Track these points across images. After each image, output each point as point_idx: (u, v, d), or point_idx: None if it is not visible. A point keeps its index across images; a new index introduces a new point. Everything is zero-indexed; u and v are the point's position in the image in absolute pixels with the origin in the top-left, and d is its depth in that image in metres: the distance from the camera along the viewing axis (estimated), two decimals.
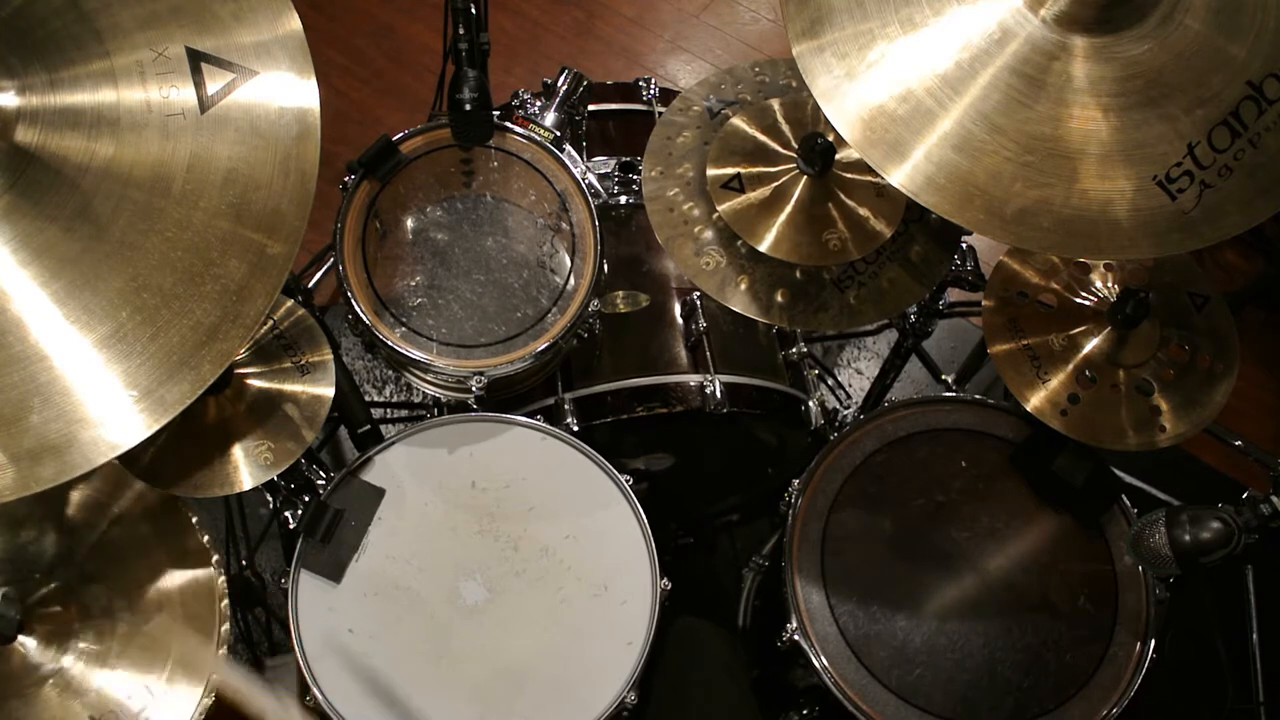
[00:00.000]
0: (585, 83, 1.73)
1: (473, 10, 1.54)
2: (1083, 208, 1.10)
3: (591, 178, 1.65)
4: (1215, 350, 1.50)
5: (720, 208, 1.41)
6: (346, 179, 1.53)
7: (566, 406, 1.63)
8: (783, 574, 1.48)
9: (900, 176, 1.12)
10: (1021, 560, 1.50)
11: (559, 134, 1.64)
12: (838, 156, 1.41)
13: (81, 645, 1.28)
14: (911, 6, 1.14)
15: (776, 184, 1.43)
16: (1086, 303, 1.52)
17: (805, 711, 1.63)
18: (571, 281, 1.56)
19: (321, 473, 1.46)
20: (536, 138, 1.59)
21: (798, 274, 1.45)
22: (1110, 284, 1.54)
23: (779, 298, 1.44)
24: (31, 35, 0.99)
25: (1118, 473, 1.54)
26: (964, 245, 1.60)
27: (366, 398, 2.27)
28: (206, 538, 1.36)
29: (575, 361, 1.67)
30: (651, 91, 1.92)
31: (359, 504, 1.45)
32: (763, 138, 1.47)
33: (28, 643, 1.25)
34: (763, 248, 1.39)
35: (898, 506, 1.53)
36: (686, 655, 1.59)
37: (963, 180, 1.11)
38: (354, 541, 1.43)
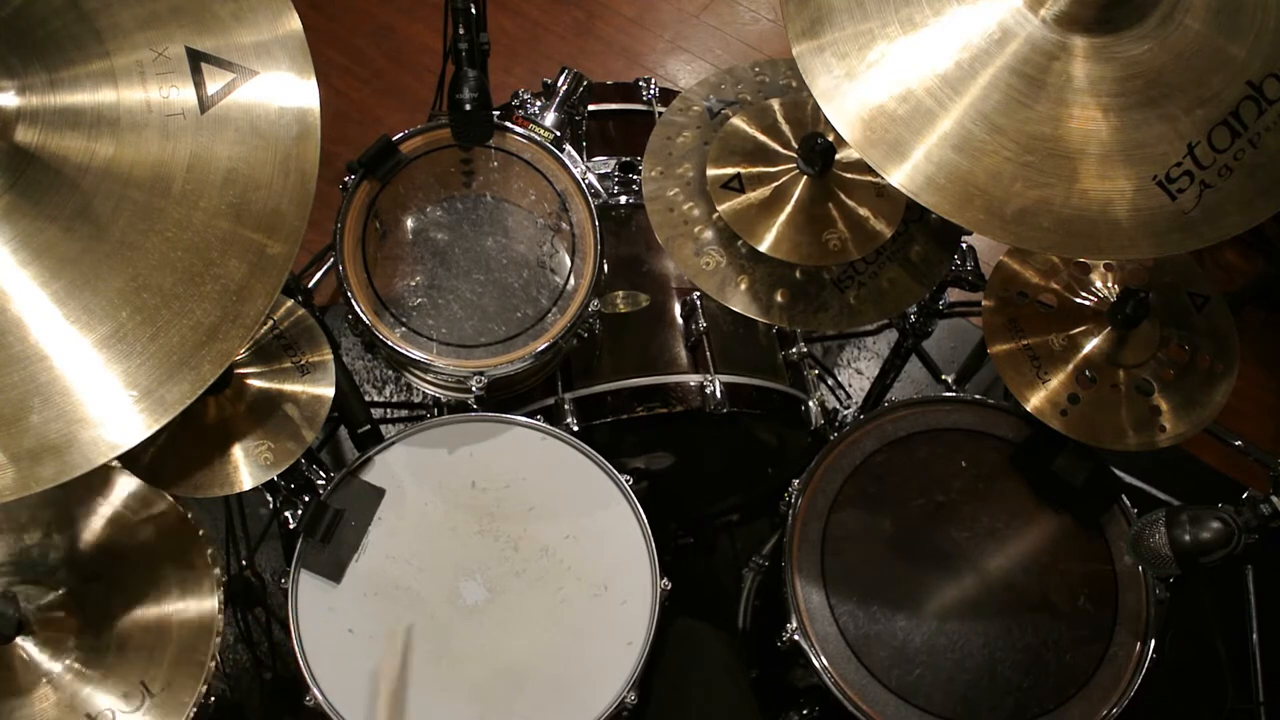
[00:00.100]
0: (585, 83, 1.72)
1: (473, 10, 1.54)
2: (1083, 208, 1.10)
3: (591, 178, 1.65)
4: (1215, 350, 1.50)
5: (720, 208, 1.41)
6: (346, 179, 1.53)
7: (566, 406, 1.63)
8: (783, 574, 1.48)
9: (900, 176, 1.12)
10: (1021, 560, 1.50)
11: (559, 134, 1.64)
12: (838, 156, 1.41)
13: (80, 645, 1.29)
14: (911, 6, 1.14)
15: (776, 184, 1.43)
16: (1086, 303, 1.52)
17: (805, 711, 1.63)
18: (571, 281, 1.56)
19: (321, 473, 1.46)
20: (536, 138, 1.59)
21: (798, 274, 1.45)
22: (1110, 284, 1.54)
23: (779, 298, 1.44)
24: (31, 35, 0.99)
25: (1118, 473, 1.54)
26: (964, 245, 1.60)
27: (366, 398, 2.27)
28: (202, 531, 1.36)
29: (575, 361, 1.67)
30: (651, 91, 1.92)
31: (359, 504, 1.45)
32: (763, 138, 1.47)
33: (26, 642, 1.25)
34: (763, 248, 1.39)
35: (898, 506, 1.53)
36: (686, 655, 1.59)
37: (963, 180, 1.11)
38: (354, 541, 1.43)
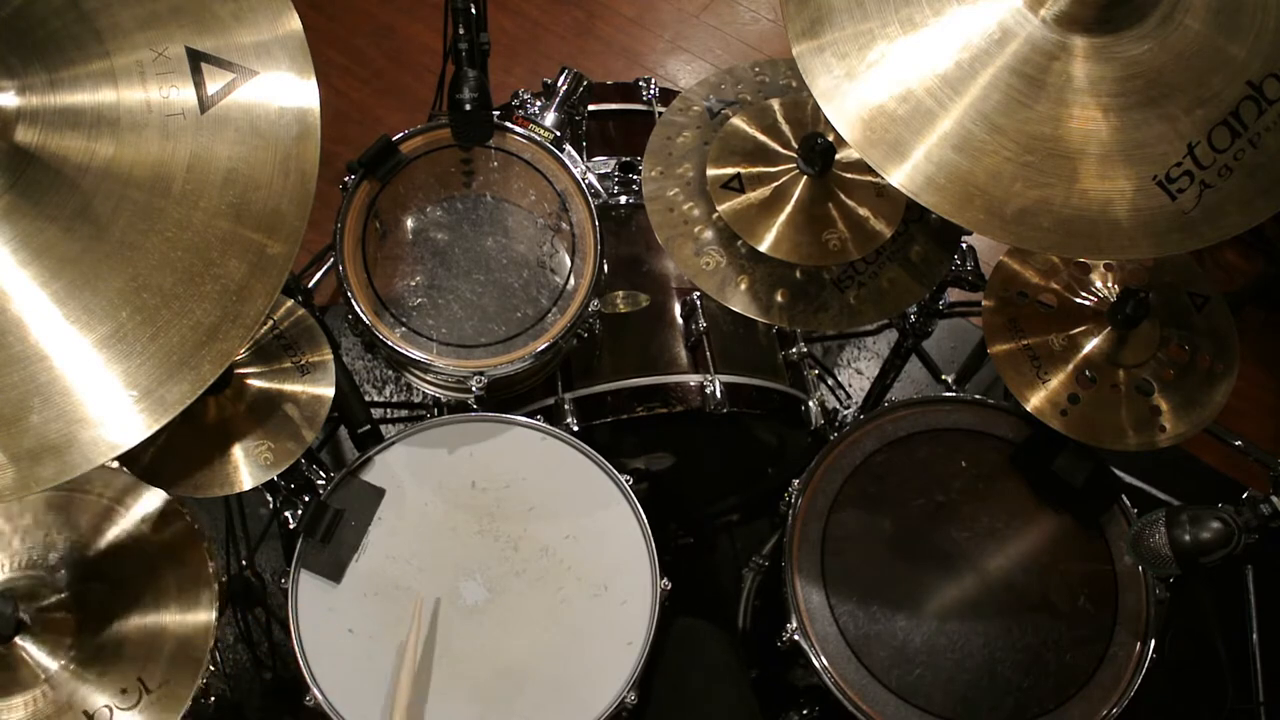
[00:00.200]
0: (585, 83, 1.73)
1: (473, 10, 1.55)
2: (1083, 208, 1.10)
3: (591, 178, 1.65)
4: (1215, 350, 1.50)
5: (720, 208, 1.41)
6: (346, 179, 1.53)
7: (566, 406, 1.63)
8: (783, 574, 1.48)
9: (900, 176, 1.12)
10: (1021, 560, 1.50)
11: (559, 134, 1.64)
12: (838, 156, 1.41)
13: (79, 644, 1.29)
14: (911, 6, 1.14)
15: (776, 184, 1.43)
16: (1086, 303, 1.52)
17: (805, 711, 1.63)
18: (571, 281, 1.56)
19: (321, 473, 1.46)
20: (536, 138, 1.59)
21: (798, 274, 1.45)
22: (1110, 284, 1.54)
23: (779, 298, 1.44)
24: (31, 35, 0.99)
25: (1118, 473, 1.54)
26: (964, 245, 1.60)
27: (366, 398, 2.27)
28: (198, 525, 1.36)
29: (575, 361, 1.67)
30: (651, 91, 1.92)
31: (359, 504, 1.45)
32: (763, 138, 1.47)
33: (26, 642, 1.25)
34: (763, 248, 1.39)
35: (898, 506, 1.53)
36: (686, 655, 1.59)
37: (963, 180, 1.11)
38: (354, 541, 1.43)
